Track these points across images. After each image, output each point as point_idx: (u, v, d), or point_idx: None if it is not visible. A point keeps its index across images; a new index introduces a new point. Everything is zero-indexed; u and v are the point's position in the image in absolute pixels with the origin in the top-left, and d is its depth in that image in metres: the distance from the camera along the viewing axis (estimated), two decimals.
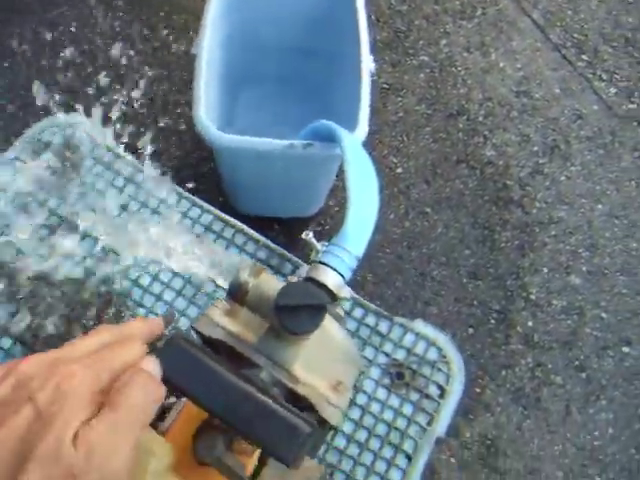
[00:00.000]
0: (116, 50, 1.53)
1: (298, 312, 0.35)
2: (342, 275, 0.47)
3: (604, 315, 1.35)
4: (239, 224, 0.77)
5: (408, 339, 0.72)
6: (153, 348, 0.33)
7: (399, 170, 1.48)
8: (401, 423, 0.67)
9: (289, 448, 0.32)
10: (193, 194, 0.80)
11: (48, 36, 1.55)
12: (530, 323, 1.33)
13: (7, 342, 0.69)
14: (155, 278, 0.73)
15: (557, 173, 1.52)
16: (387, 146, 1.51)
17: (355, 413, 0.68)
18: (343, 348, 0.42)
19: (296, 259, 0.74)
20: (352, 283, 0.48)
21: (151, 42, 1.57)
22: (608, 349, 1.32)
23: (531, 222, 1.45)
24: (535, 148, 1.55)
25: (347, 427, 0.67)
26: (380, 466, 0.65)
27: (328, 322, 0.42)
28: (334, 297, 0.46)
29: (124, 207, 0.77)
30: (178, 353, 0.33)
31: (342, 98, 1.17)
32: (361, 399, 0.68)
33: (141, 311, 0.71)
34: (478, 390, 1.25)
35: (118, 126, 0.84)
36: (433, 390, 0.69)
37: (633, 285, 1.39)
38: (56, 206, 0.76)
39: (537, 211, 1.46)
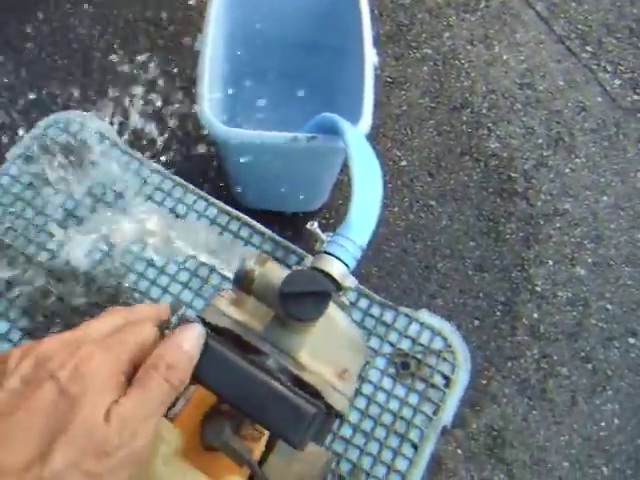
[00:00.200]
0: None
1: (303, 299, 0.36)
2: (347, 265, 0.48)
3: (609, 306, 1.35)
4: (244, 217, 0.78)
5: (413, 329, 0.72)
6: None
7: (403, 163, 1.48)
8: (407, 412, 0.68)
9: (295, 429, 0.32)
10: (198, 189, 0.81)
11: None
12: (536, 315, 1.33)
13: (15, 335, 0.70)
14: (162, 271, 0.74)
15: (562, 165, 1.52)
16: (391, 139, 1.51)
17: (361, 403, 0.68)
18: (348, 336, 0.43)
19: (301, 251, 0.75)
20: (357, 276, 0.49)
21: (157, 34, 1.58)
22: (614, 340, 1.32)
23: (536, 214, 1.45)
24: (539, 140, 1.55)
25: (353, 416, 0.67)
26: (386, 455, 0.66)
27: (333, 311, 0.42)
28: (339, 286, 0.47)
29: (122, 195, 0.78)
30: None
31: (346, 92, 1.18)
32: (367, 389, 0.69)
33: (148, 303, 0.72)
34: (484, 382, 1.26)
35: (123, 120, 0.85)
36: (438, 379, 0.70)
37: (638, 276, 1.39)
38: (62, 201, 0.77)
39: (542, 203, 1.46)
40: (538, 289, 1.36)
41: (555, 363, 1.29)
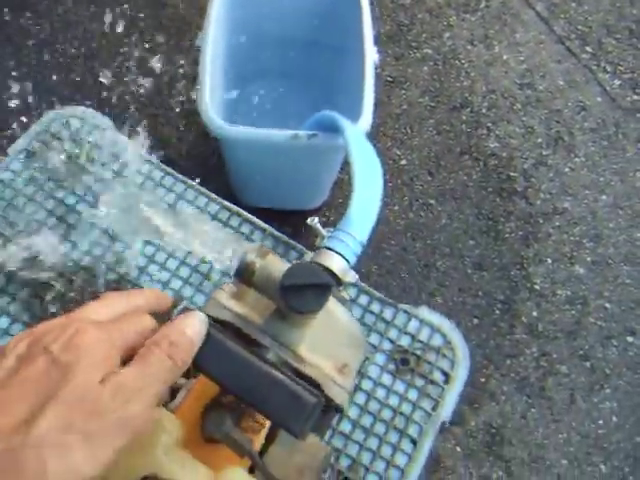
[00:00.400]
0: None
1: (303, 291, 0.36)
2: (347, 260, 0.48)
3: (608, 305, 1.36)
4: (245, 213, 0.78)
5: (413, 325, 0.72)
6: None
7: (403, 162, 1.49)
8: (406, 408, 0.68)
9: (297, 418, 0.33)
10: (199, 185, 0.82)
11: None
12: (535, 313, 1.34)
13: (15, 327, 0.70)
14: (163, 267, 0.74)
15: (561, 164, 1.52)
16: (391, 138, 1.52)
17: (360, 398, 0.69)
18: (348, 331, 0.43)
19: (301, 247, 0.75)
20: (357, 274, 0.49)
21: (158, 34, 1.58)
22: (612, 339, 1.32)
23: (535, 213, 1.45)
24: (539, 140, 1.55)
25: (352, 412, 0.68)
26: (386, 451, 0.66)
27: (334, 305, 0.42)
28: (339, 281, 0.47)
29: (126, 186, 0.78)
30: None
31: (346, 91, 1.18)
32: (366, 385, 0.69)
33: None
34: (483, 379, 1.26)
35: (124, 115, 0.85)
36: (438, 376, 0.70)
37: (637, 275, 1.39)
38: (63, 196, 0.77)
39: (541, 202, 1.47)
40: (537, 287, 1.36)
41: (554, 361, 1.29)
